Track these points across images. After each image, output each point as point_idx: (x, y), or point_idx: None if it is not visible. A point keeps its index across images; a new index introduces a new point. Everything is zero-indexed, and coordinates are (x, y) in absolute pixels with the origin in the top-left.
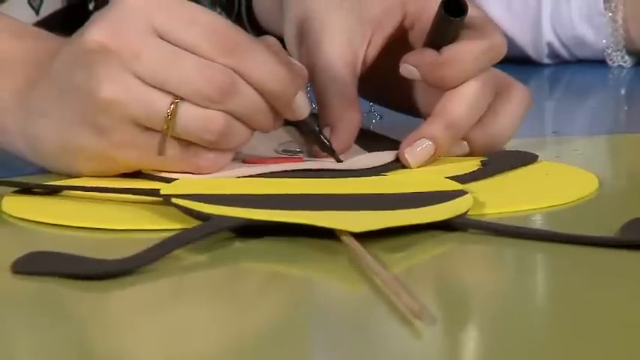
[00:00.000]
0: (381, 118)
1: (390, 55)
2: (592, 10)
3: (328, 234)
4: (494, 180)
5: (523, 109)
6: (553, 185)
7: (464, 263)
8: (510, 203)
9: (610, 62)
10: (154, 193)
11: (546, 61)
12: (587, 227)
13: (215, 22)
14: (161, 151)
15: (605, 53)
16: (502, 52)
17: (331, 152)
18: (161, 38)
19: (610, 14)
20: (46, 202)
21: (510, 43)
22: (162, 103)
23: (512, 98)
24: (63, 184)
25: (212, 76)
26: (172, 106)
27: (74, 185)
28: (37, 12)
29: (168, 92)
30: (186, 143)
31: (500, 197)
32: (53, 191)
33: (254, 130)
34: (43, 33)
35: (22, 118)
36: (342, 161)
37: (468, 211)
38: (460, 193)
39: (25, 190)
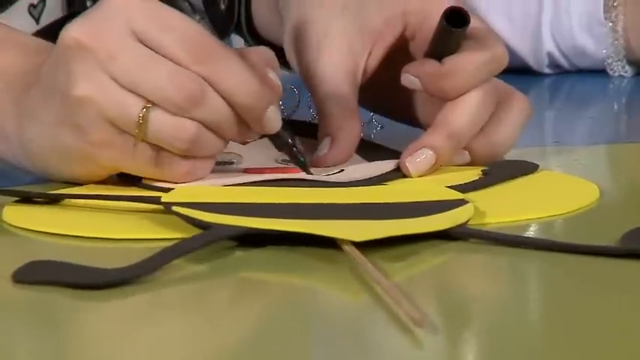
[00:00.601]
0: (382, 128)
1: (390, 65)
2: (592, 19)
3: (329, 243)
4: (494, 189)
5: (524, 118)
6: (554, 195)
7: (464, 272)
8: (511, 213)
9: (611, 72)
10: (155, 200)
11: (547, 70)
12: (588, 237)
13: (191, 29)
14: (135, 155)
15: (606, 63)
16: (504, 63)
17: (303, 166)
18: (139, 41)
19: (610, 24)
20: (47, 212)
21: (511, 53)
22: (134, 107)
23: (513, 108)
24: (63, 192)
25: (182, 83)
26: (144, 110)
27: (75, 194)
28: (37, 21)
29: (141, 96)
30: (160, 149)
31: (501, 207)
32: (54, 200)
33: (227, 140)
34: (44, 46)
35: (18, 123)
36: (312, 174)
37: (468, 220)
38: (461, 203)
39: (26, 199)
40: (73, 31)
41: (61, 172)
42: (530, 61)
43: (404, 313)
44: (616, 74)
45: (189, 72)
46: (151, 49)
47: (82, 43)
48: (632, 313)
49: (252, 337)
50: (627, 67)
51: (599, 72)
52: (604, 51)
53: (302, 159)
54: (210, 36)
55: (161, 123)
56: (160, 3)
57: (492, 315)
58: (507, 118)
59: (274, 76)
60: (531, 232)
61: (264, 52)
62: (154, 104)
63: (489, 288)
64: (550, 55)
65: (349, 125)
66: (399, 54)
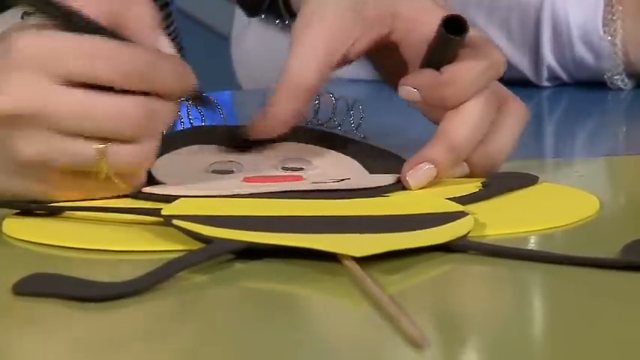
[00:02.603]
0: (364, 137)
1: (374, 61)
2: (591, 34)
3: (329, 256)
4: (494, 201)
5: (521, 125)
6: (553, 207)
7: (464, 285)
8: (511, 225)
9: (610, 85)
10: (155, 213)
11: (546, 83)
12: (588, 249)
13: (114, 49)
14: (101, 189)
15: (606, 77)
16: (502, 70)
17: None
18: (66, 83)
19: (609, 37)
20: (47, 224)
21: (510, 66)
22: (87, 150)
23: (510, 115)
24: (64, 205)
25: (130, 113)
26: (98, 150)
27: (75, 206)
28: None
29: (91, 138)
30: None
31: (501, 219)
32: (54, 212)
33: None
34: None
35: None
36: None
37: (468, 232)
38: (461, 215)
39: (26, 211)
40: (6, 100)
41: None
42: (530, 74)
43: (404, 332)
44: (615, 87)
45: (129, 97)
46: (79, 84)
47: (10, 111)
48: (633, 325)
49: (253, 348)
50: (626, 80)
51: (598, 84)
52: (604, 65)
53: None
54: (133, 46)
55: (119, 154)
56: (58, 33)
57: (492, 327)
58: (505, 124)
59: (167, 43)
60: (531, 245)
61: (143, 16)
62: (106, 140)
63: (489, 300)
64: (550, 68)
65: (282, 106)
66: (384, 53)
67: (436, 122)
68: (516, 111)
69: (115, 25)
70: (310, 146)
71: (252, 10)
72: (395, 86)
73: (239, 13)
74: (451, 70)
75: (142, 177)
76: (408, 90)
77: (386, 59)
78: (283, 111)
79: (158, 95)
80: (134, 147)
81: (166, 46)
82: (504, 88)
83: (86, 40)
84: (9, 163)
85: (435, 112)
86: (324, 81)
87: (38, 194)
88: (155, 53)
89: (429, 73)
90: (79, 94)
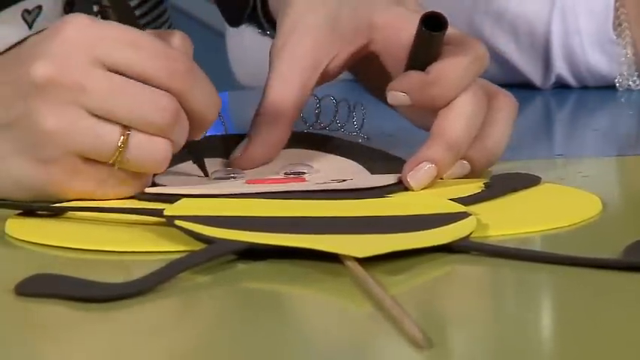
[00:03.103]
0: (368, 139)
1: (355, 73)
2: (604, 39)
3: (331, 256)
4: (497, 202)
5: (513, 116)
6: (556, 207)
7: (466, 285)
8: (513, 225)
9: (619, 87)
10: (158, 213)
11: (550, 87)
12: (590, 249)
13: (157, 46)
14: (105, 182)
15: (617, 80)
16: (486, 62)
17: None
18: (106, 68)
19: (621, 41)
20: (50, 224)
21: (517, 73)
22: (111, 135)
23: (501, 108)
24: (66, 205)
25: (163, 105)
26: (122, 137)
27: (78, 207)
28: (30, 26)
29: (118, 124)
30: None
31: (503, 219)
32: (56, 213)
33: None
34: None
35: None
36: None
37: (471, 233)
38: (463, 215)
39: (29, 212)
40: (38, 70)
41: (10, 196)
42: (538, 81)
43: (405, 333)
44: (623, 88)
45: (166, 93)
46: (120, 72)
47: (49, 79)
48: (635, 326)
49: (254, 348)
50: (637, 81)
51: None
52: (617, 68)
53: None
54: (175, 50)
55: (140, 148)
56: (114, 23)
57: (494, 328)
58: (499, 118)
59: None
60: (533, 245)
61: (184, 40)
62: (132, 129)
63: (491, 301)
64: (559, 76)
65: (270, 131)
66: (365, 66)
67: (425, 128)
68: (507, 102)
69: None
70: (311, 151)
71: (232, 21)
72: (382, 97)
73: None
74: (436, 69)
75: (148, 180)
76: (396, 95)
77: (368, 71)
78: (267, 141)
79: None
80: (156, 142)
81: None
82: (492, 83)
83: (136, 32)
84: (19, 141)
85: (424, 116)
86: (305, 102)
87: (43, 180)
88: (196, 65)
89: (415, 75)
90: (117, 77)
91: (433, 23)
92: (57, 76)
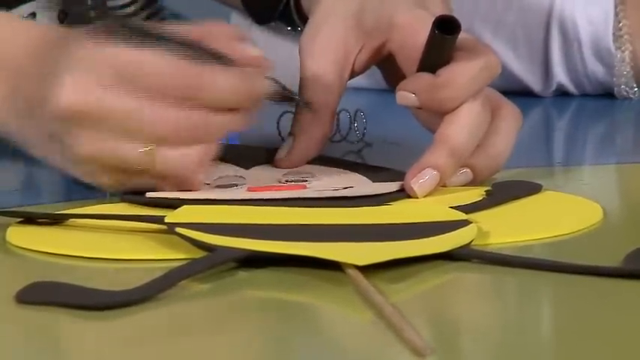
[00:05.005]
0: (370, 146)
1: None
2: (603, 49)
3: (332, 264)
4: (498, 210)
5: (517, 126)
6: (557, 215)
7: (467, 293)
8: (514, 233)
9: (618, 95)
10: (159, 220)
11: (550, 95)
12: (591, 257)
13: (170, 62)
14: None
15: (616, 89)
16: (497, 70)
17: (295, 101)
18: (127, 91)
19: (620, 51)
20: (51, 232)
21: (516, 81)
22: (135, 154)
23: (507, 118)
24: (67, 213)
25: (170, 122)
26: (146, 153)
27: (78, 214)
28: None
29: (143, 140)
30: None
31: (504, 227)
32: (57, 221)
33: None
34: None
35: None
36: (308, 108)
37: (472, 241)
38: (464, 223)
39: (30, 220)
40: (62, 100)
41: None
42: (537, 88)
43: (406, 340)
44: (622, 97)
45: (176, 109)
46: (141, 91)
47: (75, 111)
48: (635, 334)
49: (255, 356)
50: (636, 90)
51: (604, 93)
52: (616, 78)
53: (296, 97)
54: (187, 61)
55: (167, 159)
56: (127, 49)
57: (495, 336)
58: (502, 130)
59: (252, 48)
60: (534, 253)
61: (228, 28)
62: (158, 143)
63: (492, 309)
64: (559, 84)
65: (315, 128)
66: (384, 62)
67: (433, 130)
68: (511, 113)
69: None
70: (314, 165)
71: (263, 19)
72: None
73: (236, 17)
74: (447, 72)
75: (196, 183)
76: (405, 95)
77: (388, 69)
78: (313, 137)
79: (211, 108)
80: (182, 153)
81: (250, 51)
82: (498, 93)
83: (143, 55)
84: (63, 157)
85: (432, 119)
86: (342, 94)
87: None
88: (205, 67)
89: (425, 77)
90: (128, 98)
91: (446, 27)
92: (81, 106)
